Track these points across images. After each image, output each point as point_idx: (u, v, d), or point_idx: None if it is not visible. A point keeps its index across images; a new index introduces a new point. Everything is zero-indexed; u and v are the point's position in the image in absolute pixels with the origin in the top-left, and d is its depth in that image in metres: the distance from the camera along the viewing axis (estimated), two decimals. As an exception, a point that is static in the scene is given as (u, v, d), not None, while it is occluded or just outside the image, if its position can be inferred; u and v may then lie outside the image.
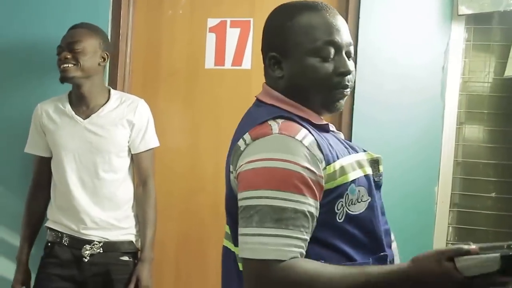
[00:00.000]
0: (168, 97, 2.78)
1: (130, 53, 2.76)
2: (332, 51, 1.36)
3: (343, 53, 1.38)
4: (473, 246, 1.14)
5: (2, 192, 2.77)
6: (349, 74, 1.39)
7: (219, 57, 2.72)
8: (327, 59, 1.36)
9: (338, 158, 1.33)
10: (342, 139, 1.46)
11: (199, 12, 2.75)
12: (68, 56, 2.31)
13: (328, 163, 1.30)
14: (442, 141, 2.57)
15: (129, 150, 2.42)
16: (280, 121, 1.34)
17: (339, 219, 1.32)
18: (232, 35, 2.72)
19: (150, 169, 2.44)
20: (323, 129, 1.41)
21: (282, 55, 1.39)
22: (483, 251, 1.12)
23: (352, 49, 1.41)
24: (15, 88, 2.74)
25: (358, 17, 2.62)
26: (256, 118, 1.37)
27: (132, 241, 2.41)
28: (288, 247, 1.23)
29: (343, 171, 1.33)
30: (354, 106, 2.59)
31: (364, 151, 1.45)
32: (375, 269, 1.24)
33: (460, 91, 2.57)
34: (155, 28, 2.78)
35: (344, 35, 1.39)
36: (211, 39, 2.74)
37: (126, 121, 2.37)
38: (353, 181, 1.34)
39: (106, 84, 2.64)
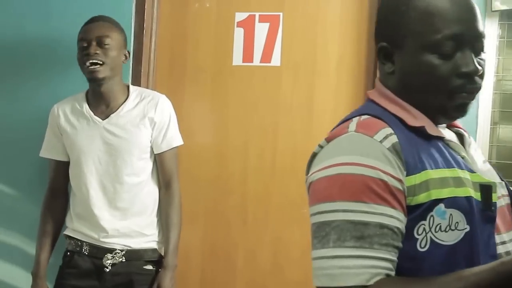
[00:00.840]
0: (194, 95, 2.68)
1: (155, 48, 2.65)
2: (455, 46, 1.14)
3: (469, 48, 1.15)
4: None
5: (17, 197, 2.67)
6: (475, 74, 1.16)
7: (247, 54, 2.62)
8: (448, 56, 1.14)
9: (425, 169, 1.11)
10: (452, 151, 1.20)
11: (227, 5, 2.65)
12: (98, 52, 2.19)
13: (408, 173, 1.09)
14: (476, 142, 2.50)
15: (152, 151, 2.31)
16: (363, 117, 1.16)
17: (422, 248, 1.09)
18: (261, 30, 2.61)
19: (174, 169, 2.33)
20: (421, 132, 1.17)
21: (394, 46, 1.18)
22: None
23: (483, 42, 1.18)
24: (32, 85, 2.63)
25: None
26: (345, 117, 1.21)
27: (155, 249, 2.31)
28: (373, 269, 1.04)
29: (428, 185, 1.09)
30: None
31: (472, 171, 1.18)
32: (473, 270, 1.01)
33: (494, 89, 2.47)
34: (180, 22, 2.67)
35: (471, 26, 1.16)
36: (239, 34, 2.63)
37: (147, 120, 2.26)
38: (441, 200, 1.09)
39: (130, 81, 2.55)
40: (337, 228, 1.05)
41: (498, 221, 1.16)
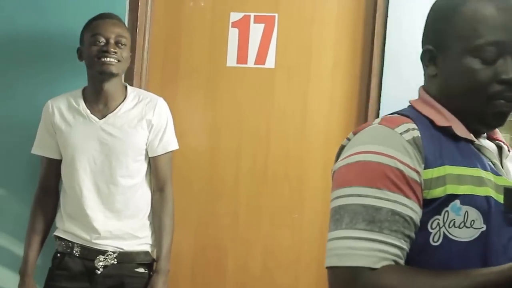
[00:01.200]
0: (187, 96, 2.64)
1: (148, 47, 2.61)
2: (497, 52, 1.15)
3: (511, 57, 1.16)
4: None
5: (7, 196, 2.61)
6: None
7: (242, 55, 2.59)
8: (490, 62, 1.15)
9: (443, 164, 1.12)
10: (481, 154, 1.19)
11: (222, 5, 2.61)
12: (117, 51, 2.19)
13: (426, 166, 1.12)
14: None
15: (147, 153, 2.29)
16: (391, 115, 1.22)
17: (434, 242, 1.11)
18: (256, 31, 2.58)
19: (168, 173, 2.32)
20: (448, 133, 1.18)
21: (439, 49, 1.21)
22: None
23: None
24: (24, 83, 2.58)
25: (387, 16, 2.50)
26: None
27: (148, 252, 2.29)
28: (381, 253, 1.06)
29: (444, 180, 1.11)
30: (380, 110, 2.48)
31: (498, 175, 1.18)
32: (482, 270, 1.03)
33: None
34: (175, 21, 2.63)
35: None
36: (233, 35, 2.59)
37: (145, 122, 2.24)
38: (457, 197, 1.10)
39: (122, 80, 2.51)
40: (351, 212, 1.09)
41: None
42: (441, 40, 1.20)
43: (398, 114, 1.21)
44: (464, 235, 1.10)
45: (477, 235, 1.11)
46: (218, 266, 2.61)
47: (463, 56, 1.16)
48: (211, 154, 2.63)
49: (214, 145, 2.63)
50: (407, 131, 1.14)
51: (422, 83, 2.48)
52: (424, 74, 1.27)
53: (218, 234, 2.62)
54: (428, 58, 1.23)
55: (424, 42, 1.25)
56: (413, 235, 1.10)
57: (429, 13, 1.27)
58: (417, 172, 1.10)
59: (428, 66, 1.23)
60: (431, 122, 1.19)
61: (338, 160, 1.19)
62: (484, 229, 1.11)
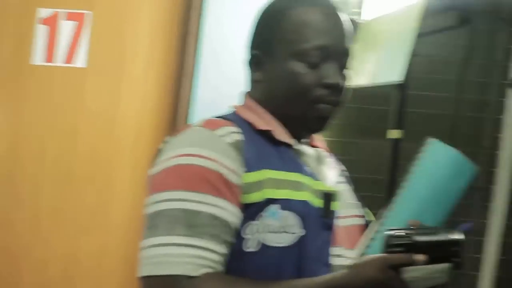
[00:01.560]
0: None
1: None
2: (322, 57, 1.16)
3: (335, 62, 1.17)
4: (419, 256, 0.99)
5: None
6: (337, 87, 1.17)
7: (50, 53, 2.49)
8: (314, 66, 1.15)
9: (263, 169, 1.11)
10: (299, 159, 1.19)
11: (30, 0, 2.50)
12: None
13: (247, 170, 1.09)
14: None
15: None
16: (212, 118, 1.18)
17: (249, 248, 1.08)
18: (67, 29, 2.50)
19: None
20: (268, 137, 1.17)
21: (265, 54, 1.19)
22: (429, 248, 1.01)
23: (348, 59, 1.21)
24: None
25: (202, 15, 2.48)
26: None
27: None
28: (200, 260, 1.02)
29: (262, 184, 1.09)
30: (190, 112, 2.46)
31: (316, 179, 1.18)
32: (303, 281, 1.05)
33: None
34: (-23, 16, 2.51)
35: (339, 41, 1.18)
36: (41, 32, 2.50)
37: None
38: (274, 201, 1.09)
39: None
40: (170, 217, 1.04)
41: (342, 236, 1.17)
42: (267, 44, 1.19)
43: (220, 117, 1.18)
44: (281, 240, 1.09)
45: (295, 240, 1.10)
46: (12, 274, 2.48)
47: (289, 60, 1.16)
48: (10, 156, 2.51)
49: (14, 146, 2.51)
50: (228, 134, 1.12)
51: (233, 86, 2.48)
52: (251, 80, 1.24)
53: (14, 241, 2.49)
54: (254, 63, 1.21)
55: (251, 47, 1.24)
56: (232, 239, 1.07)
57: (256, 18, 1.25)
58: (237, 175, 1.08)
59: (255, 71, 1.22)
60: (252, 126, 1.17)
61: (156, 164, 1.13)
62: (302, 234, 1.10)
